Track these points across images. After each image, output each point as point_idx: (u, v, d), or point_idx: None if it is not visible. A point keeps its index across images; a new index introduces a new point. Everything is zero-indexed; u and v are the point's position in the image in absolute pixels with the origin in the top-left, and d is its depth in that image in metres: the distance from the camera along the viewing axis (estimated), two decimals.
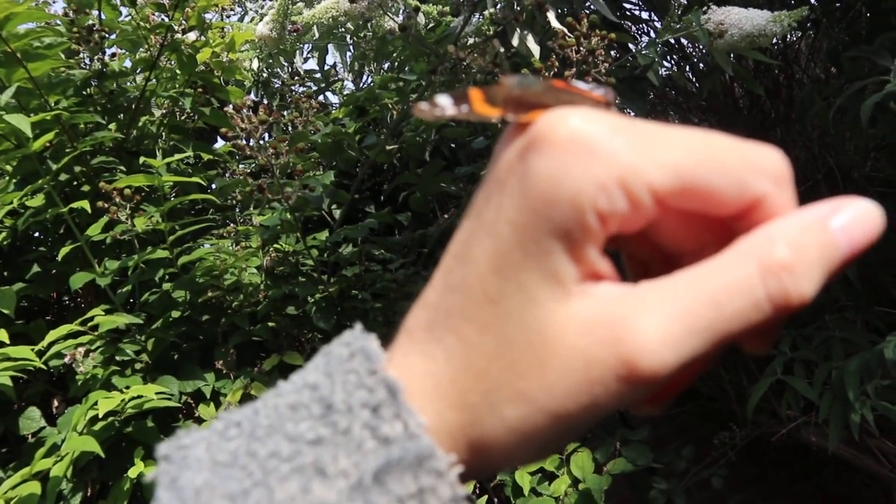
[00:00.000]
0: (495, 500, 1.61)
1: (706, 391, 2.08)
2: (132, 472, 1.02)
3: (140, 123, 1.42)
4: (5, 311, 1.13)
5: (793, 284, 0.18)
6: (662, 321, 0.18)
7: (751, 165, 0.19)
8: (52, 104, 1.24)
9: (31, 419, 1.17)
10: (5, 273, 1.39)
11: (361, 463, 0.18)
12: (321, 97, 2.16)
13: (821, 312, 1.52)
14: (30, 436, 1.19)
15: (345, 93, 2.07)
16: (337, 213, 1.45)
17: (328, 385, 0.20)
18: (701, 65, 1.97)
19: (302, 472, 0.18)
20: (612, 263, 0.20)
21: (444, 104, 0.22)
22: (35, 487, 0.96)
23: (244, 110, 0.93)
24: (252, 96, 2.02)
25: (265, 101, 2.02)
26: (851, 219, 0.19)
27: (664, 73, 1.85)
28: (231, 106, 0.99)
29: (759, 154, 0.20)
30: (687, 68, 2.00)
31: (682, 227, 0.21)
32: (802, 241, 0.19)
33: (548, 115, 0.20)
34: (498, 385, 0.19)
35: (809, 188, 1.84)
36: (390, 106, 1.33)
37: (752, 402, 1.37)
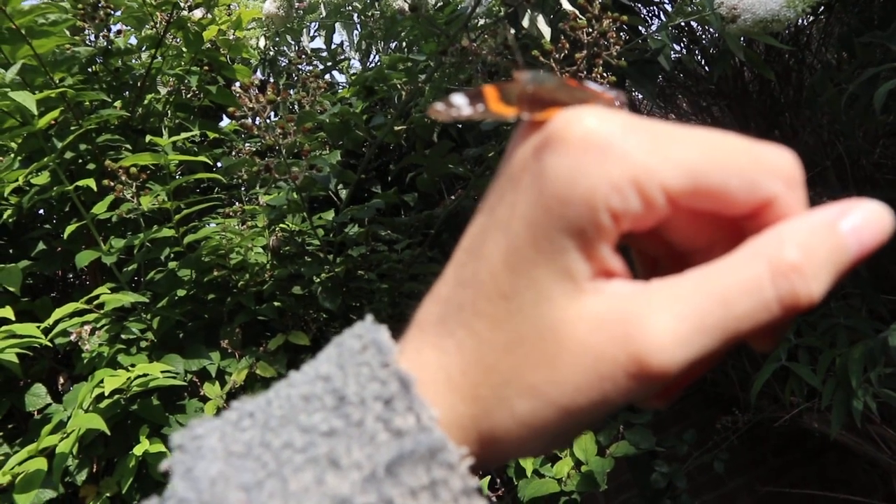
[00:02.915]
0: (498, 480, 1.63)
1: (709, 376, 2.09)
2: (137, 450, 1.03)
3: (146, 101, 1.41)
4: (11, 289, 1.14)
5: (802, 285, 0.18)
6: (672, 319, 0.18)
7: (762, 166, 0.20)
8: (57, 81, 1.23)
9: (37, 396, 1.18)
10: (11, 250, 1.40)
11: (374, 455, 0.18)
12: (328, 76, 2.15)
13: (826, 300, 1.51)
14: (36, 412, 1.21)
15: (352, 72, 2.06)
16: (344, 194, 1.45)
17: (341, 377, 0.20)
18: (712, 49, 1.95)
19: (316, 464, 0.18)
20: (623, 261, 0.20)
21: (460, 104, 0.22)
22: (41, 464, 0.97)
23: (252, 90, 0.92)
24: (258, 75, 2.01)
25: (272, 80, 2.01)
26: (862, 220, 0.19)
27: (674, 56, 1.84)
28: (238, 85, 0.98)
29: (771, 155, 0.20)
30: (697, 52, 1.98)
31: (694, 225, 0.21)
32: (812, 243, 0.19)
33: (563, 114, 0.20)
34: (509, 379, 0.19)
35: (818, 174, 1.83)
36: (399, 87, 1.32)
37: (756, 388, 1.37)
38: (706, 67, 1.99)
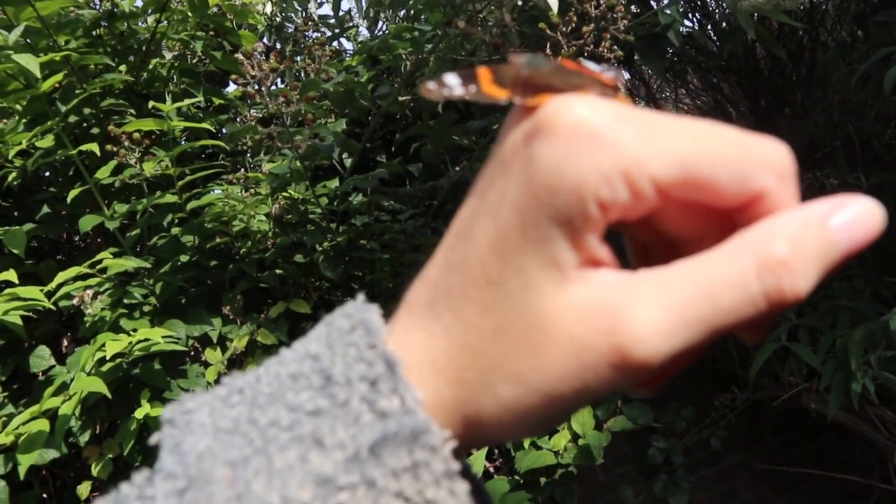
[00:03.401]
0: (496, 451, 1.65)
1: (709, 352, 2.09)
2: (139, 413, 1.04)
3: (150, 66, 1.40)
4: (15, 251, 1.14)
5: (789, 281, 0.18)
6: (657, 311, 0.18)
7: (755, 159, 0.19)
8: (62, 45, 1.22)
9: (41, 358, 1.20)
10: (16, 213, 1.40)
11: (358, 436, 0.18)
12: (335, 43, 2.13)
13: (829, 280, 1.51)
14: (40, 374, 1.22)
15: (359, 39, 2.04)
16: (348, 163, 1.45)
17: (329, 356, 0.20)
18: (724, 24, 1.92)
19: (301, 442, 0.18)
20: (611, 250, 0.20)
21: (452, 84, 0.22)
22: (44, 425, 0.99)
23: (254, 57, 0.92)
24: (265, 41, 1.99)
25: (278, 46, 1.99)
26: (853, 217, 0.19)
27: (684, 31, 1.81)
28: (241, 52, 0.97)
29: (764, 148, 0.20)
30: (709, 27, 1.95)
31: (685, 215, 0.21)
32: (801, 238, 0.19)
33: (554, 102, 0.20)
34: (494, 364, 0.19)
35: (827, 154, 1.81)
36: (404, 57, 1.31)
37: (755, 367, 1.38)
38: (717, 43, 1.97)
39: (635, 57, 1.13)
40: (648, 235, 0.23)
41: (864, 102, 1.58)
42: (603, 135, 0.19)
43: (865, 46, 1.52)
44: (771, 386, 1.83)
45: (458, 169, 1.71)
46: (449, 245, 0.21)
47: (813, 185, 1.36)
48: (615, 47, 0.82)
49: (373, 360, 0.19)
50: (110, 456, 1.12)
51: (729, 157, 0.19)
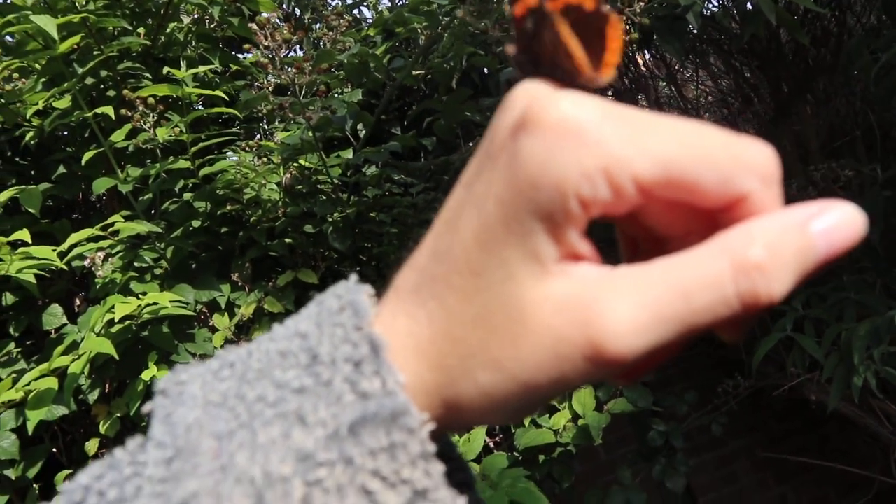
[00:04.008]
0: (496, 427, 1.67)
1: (717, 337, 2.08)
2: (146, 375, 1.06)
3: (168, 30, 1.40)
4: (31, 210, 1.16)
5: (763, 285, 0.18)
6: (632, 308, 0.18)
7: (739, 162, 0.19)
8: (80, 6, 1.22)
9: (54, 316, 1.22)
10: (32, 172, 1.41)
11: (339, 415, 0.19)
12: (356, 12, 2.12)
13: (839, 272, 1.50)
14: (53, 332, 1.24)
15: (380, 7, 2.02)
16: (363, 134, 1.44)
17: (317, 336, 0.21)
18: (748, 5, 1.88)
19: (284, 419, 0.19)
20: (595, 245, 0.20)
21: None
22: (52, 382, 1.01)
23: (268, 26, 0.91)
24: (283, 7, 1.98)
25: (297, 13, 1.98)
26: (834, 223, 0.19)
27: (707, 12, 1.78)
28: (255, 21, 0.97)
29: (750, 151, 0.20)
30: (733, 8, 1.92)
31: (669, 213, 0.21)
32: (779, 243, 0.19)
33: (540, 97, 0.20)
34: (474, 352, 0.20)
35: (846, 143, 1.79)
36: (419, 31, 1.30)
37: (758, 356, 1.38)
38: (740, 26, 1.93)
39: (654, 38, 1.12)
40: (635, 230, 0.23)
41: (887, 92, 1.55)
42: (587, 132, 0.19)
43: (891, 34, 1.49)
44: (776, 375, 1.83)
45: (471, 145, 1.70)
46: (437, 232, 0.22)
47: (827, 175, 1.35)
48: (631, 29, 0.81)
49: (358, 341, 0.20)
50: (118, 415, 1.14)
51: (713, 159, 0.19)
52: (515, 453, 1.41)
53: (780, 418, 2.38)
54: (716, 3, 1.95)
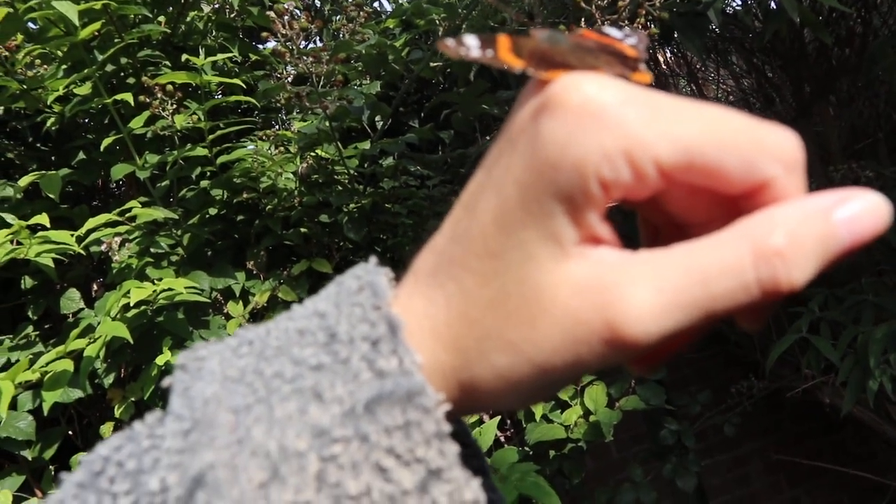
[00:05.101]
0: (508, 421, 1.67)
1: (733, 337, 2.07)
2: (160, 360, 1.07)
3: (188, 18, 1.41)
4: (51, 195, 1.17)
5: (784, 272, 0.18)
6: (650, 292, 0.18)
7: (762, 148, 0.19)
8: None
9: (72, 300, 1.23)
10: (53, 157, 1.43)
11: (356, 392, 0.19)
12: (376, 3, 2.11)
13: (858, 274, 1.48)
14: (70, 315, 1.26)
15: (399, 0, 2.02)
16: (380, 125, 1.45)
17: (335, 315, 0.21)
18: (771, 3, 1.86)
19: (301, 395, 0.19)
20: (615, 228, 0.20)
21: (471, 45, 0.22)
22: (68, 365, 1.02)
23: (285, 16, 0.92)
24: None
25: (317, 4, 1.98)
26: (858, 211, 0.19)
27: (730, 10, 1.76)
28: (273, 10, 0.97)
29: (773, 137, 0.19)
30: (755, 6, 1.90)
31: (691, 199, 0.21)
32: (801, 230, 0.19)
33: (563, 79, 0.20)
34: (490, 334, 0.20)
35: (868, 145, 1.77)
36: (437, 22, 1.30)
37: (773, 357, 1.37)
38: (762, 24, 1.91)
39: (675, 35, 1.11)
40: (657, 216, 0.23)
41: None
42: (609, 114, 0.19)
43: None
44: (791, 376, 1.82)
45: (488, 138, 1.70)
46: (456, 216, 0.22)
47: (848, 176, 1.33)
48: (651, 24, 0.80)
49: (376, 321, 0.20)
50: (132, 399, 1.15)
51: (736, 145, 0.19)
52: (526, 448, 1.41)
53: (795, 420, 2.36)
54: (738, 1, 1.93)
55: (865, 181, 1.33)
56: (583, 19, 0.87)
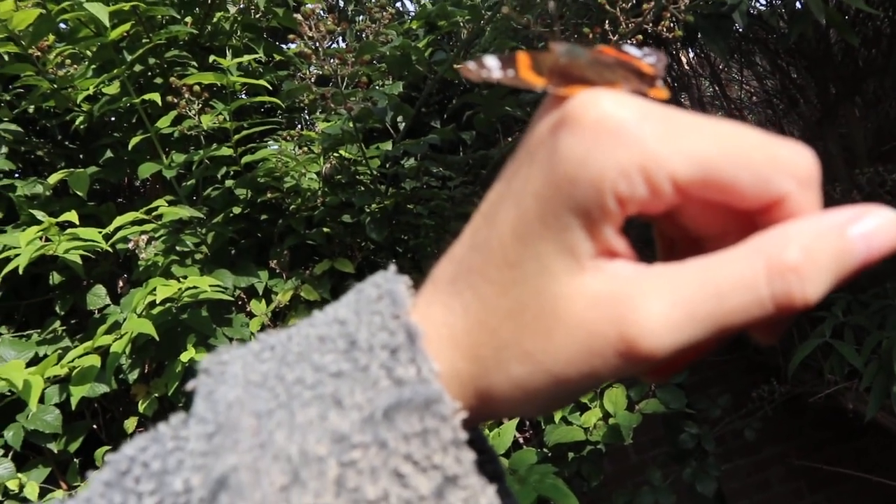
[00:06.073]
0: (527, 423, 1.67)
1: (754, 341, 2.04)
2: (184, 357, 1.09)
3: (214, 20, 1.43)
4: (79, 193, 1.19)
5: (798, 287, 0.18)
6: (665, 306, 0.19)
7: (777, 164, 0.19)
8: None
9: (98, 296, 1.26)
10: (81, 156, 1.45)
11: (375, 399, 0.19)
12: (399, 5, 2.12)
13: (882, 279, 1.46)
14: (96, 311, 1.28)
15: (422, 0, 2.02)
16: (402, 126, 1.45)
17: (355, 322, 0.21)
18: (797, 4, 1.84)
19: (322, 401, 0.20)
20: (631, 242, 0.20)
21: (492, 66, 0.23)
22: (95, 360, 1.04)
23: (313, 17, 0.93)
24: None
25: (341, 5, 2.00)
26: (873, 227, 0.19)
27: (755, 11, 1.74)
28: (300, 12, 0.98)
29: (788, 153, 0.20)
30: (781, 7, 1.87)
31: (706, 213, 0.21)
32: (816, 246, 0.19)
33: (582, 95, 0.20)
34: (507, 343, 0.20)
35: (893, 149, 1.74)
36: (461, 24, 1.30)
37: (795, 362, 1.35)
38: (787, 25, 1.89)
39: (699, 36, 1.10)
40: (673, 230, 0.23)
41: None
42: (626, 130, 0.19)
43: None
44: (813, 381, 1.79)
45: (510, 140, 1.70)
46: (475, 226, 0.22)
47: (874, 179, 1.31)
48: (675, 26, 0.80)
49: (395, 329, 0.21)
50: (156, 395, 1.17)
51: (750, 161, 0.19)
52: (545, 449, 1.41)
53: (817, 426, 2.33)
54: (763, 2, 1.91)
55: (892, 184, 1.31)
56: (606, 21, 0.87)
